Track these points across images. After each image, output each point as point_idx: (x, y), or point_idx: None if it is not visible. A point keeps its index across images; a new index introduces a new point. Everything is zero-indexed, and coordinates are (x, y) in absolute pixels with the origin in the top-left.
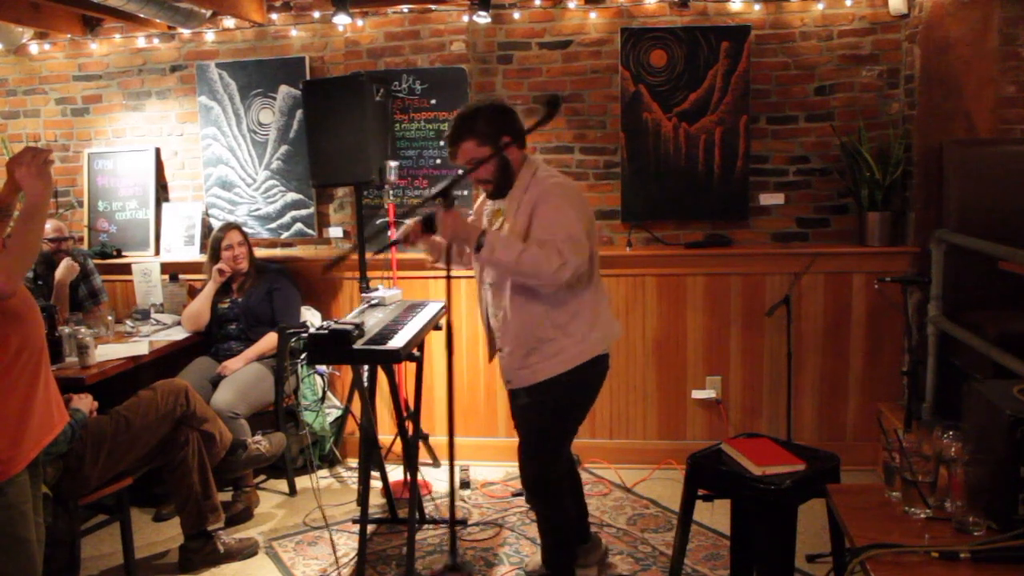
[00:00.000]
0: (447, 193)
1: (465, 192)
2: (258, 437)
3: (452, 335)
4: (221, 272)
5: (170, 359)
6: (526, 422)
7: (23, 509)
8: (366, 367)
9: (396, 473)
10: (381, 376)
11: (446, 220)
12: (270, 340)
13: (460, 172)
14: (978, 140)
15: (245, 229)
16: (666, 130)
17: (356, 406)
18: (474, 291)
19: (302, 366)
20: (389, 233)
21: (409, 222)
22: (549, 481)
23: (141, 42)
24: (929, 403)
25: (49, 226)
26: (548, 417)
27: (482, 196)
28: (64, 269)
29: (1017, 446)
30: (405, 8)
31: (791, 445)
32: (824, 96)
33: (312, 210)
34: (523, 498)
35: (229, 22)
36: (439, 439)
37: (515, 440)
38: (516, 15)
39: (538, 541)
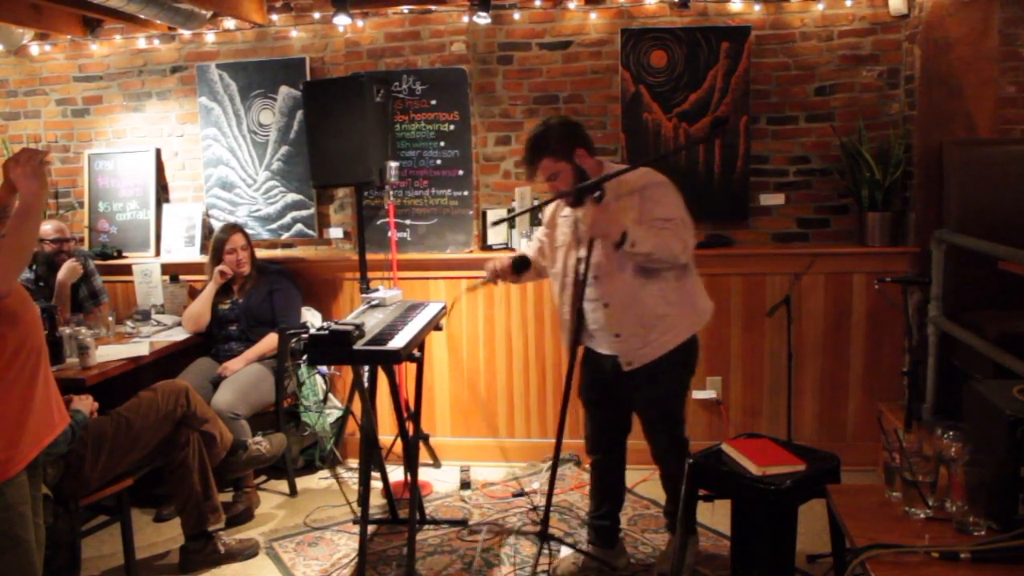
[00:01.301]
0: (598, 187)
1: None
2: (258, 438)
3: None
4: (222, 274)
5: (170, 360)
6: (649, 401)
7: (21, 510)
8: (366, 368)
9: (396, 473)
10: (381, 377)
11: (598, 214)
12: (270, 341)
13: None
14: (978, 140)
15: (246, 230)
16: (666, 131)
17: (356, 407)
18: (473, 292)
19: (304, 367)
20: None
21: (497, 264)
22: (682, 444)
23: (141, 43)
24: (929, 403)
25: (51, 227)
26: (671, 386)
27: (550, 207)
28: (67, 271)
29: (1017, 446)
30: (405, 9)
31: (791, 445)
32: (824, 96)
33: (312, 211)
34: (522, 499)
35: (229, 23)
36: (439, 440)
37: (514, 441)
38: (516, 16)
39: (538, 542)
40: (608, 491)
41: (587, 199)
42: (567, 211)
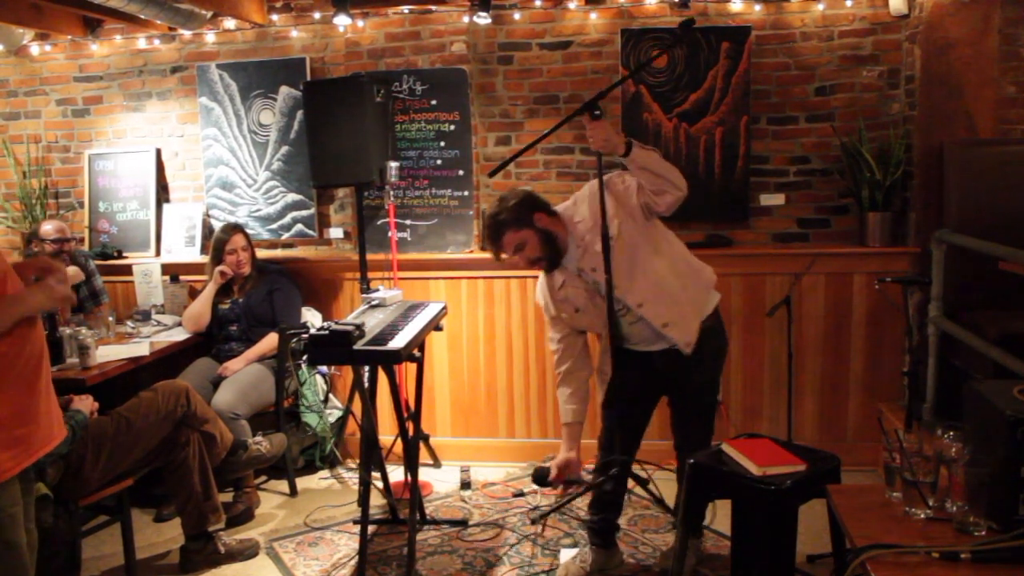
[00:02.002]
0: (593, 107)
1: None
2: (259, 438)
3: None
4: (223, 275)
5: (171, 360)
6: (702, 384)
7: (12, 512)
8: (367, 368)
9: (397, 474)
10: (382, 377)
11: (597, 127)
12: (271, 341)
13: (599, 94)
14: (978, 140)
15: (246, 230)
16: (666, 131)
17: (357, 407)
18: (474, 290)
19: (304, 367)
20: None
21: (554, 467)
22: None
23: (142, 43)
24: (930, 403)
25: (51, 227)
26: (719, 368)
27: (542, 296)
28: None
29: (1017, 446)
30: (406, 9)
31: (792, 445)
32: (824, 96)
33: (313, 211)
34: (522, 499)
35: (230, 23)
36: (440, 440)
37: (514, 441)
38: (516, 16)
39: (539, 542)
40: (610, 499)
41: (585, 116)
42: (559, 280)
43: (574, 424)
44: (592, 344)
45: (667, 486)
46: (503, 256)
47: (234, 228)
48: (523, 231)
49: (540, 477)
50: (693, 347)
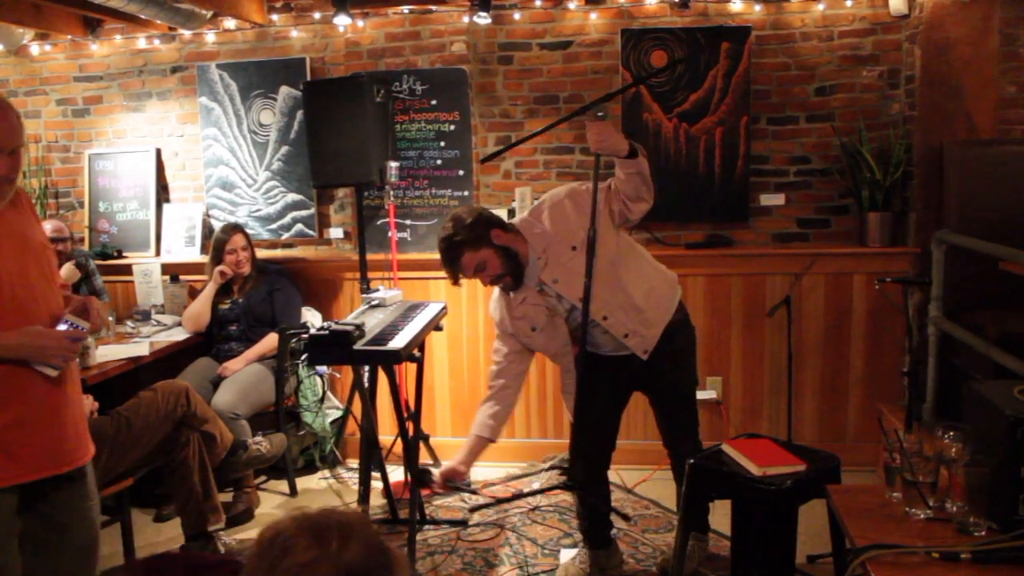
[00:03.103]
0: (599, 106)
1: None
2: (259, 438)
3: None
4: (222, 274)
5: (171, 360)
6: (676, 385)
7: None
8: (367, 368)
9: (396, 474)
10: (382, 377)
11: (601, 129)
12: (271, 341)
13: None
14: (979, 140)
15: (246, 230)
16: (666, 131)
17: (357, 407)
18: (474, 289)
19: (303, 367)
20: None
21: (439, 475)
22: (698, 431)
23: (142, 43)
24: (930, 403)
25: (50, 227)
26: (691, 368)
27: (497, 314)
28: (66, 272)
29: (1017, 447)
30: (406, 9)
31: (792, 446)
32: (825, 97)
33: (313, 211)
34: (521, 498)
35: (230, 23)
36: (440, 440)
37: (514, 441)
38: (517, 16)
39: (539, 542)
40: (593, 512)
41: (587, 116)
42: (520, 296)
43: (485, 439)
44: (549, 366)
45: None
46: (461, 278)
47: (234, 228)
48: (481, 250)
49: (421, 477)
50: (651, 352)
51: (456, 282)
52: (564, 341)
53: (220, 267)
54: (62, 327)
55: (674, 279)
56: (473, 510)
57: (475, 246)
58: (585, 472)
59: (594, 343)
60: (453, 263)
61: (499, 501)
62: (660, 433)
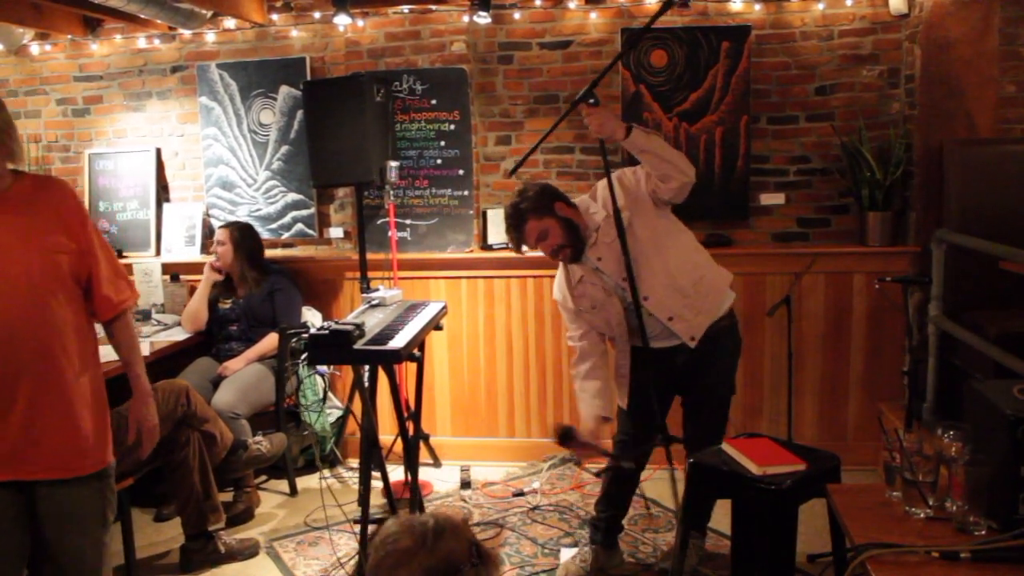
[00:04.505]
0: (591, 95)
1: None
2: (259, 437)
3: None
4: (211, 267)
5: (171, 360)
6: (718, 380)
7: None
8: (367, 367)
9: (397, 473)
10: (382, 376)
11: (596, 114)
12: (271, 341)
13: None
14: (979, 140)
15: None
16: (667, 130)
17: (357, 406)
18: (474, 290)
19: (303, 367)
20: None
21: (585, 431)
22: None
23: (142, 43)
24: (930, 403)
25: None
26: (733, 366)
27: (561, 292)
28: None
29: (1017, 446)
30: (406, 8)
31: (792, 445)
32: (825, 96)
33: (313, 210)
34: (522, 498)
35: (230, 23)
36: (440, 439)
37: (514, 441)
38: (516, 15)
39: (539, 542)
40: (621, 497)
41: (582, 106)
42: (577, 275)
43: (603, 418)
44: (550, 366)
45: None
46: (524, 248)
47: (224, 224)
48: (545, 219)
49: (565, 433)
50: (699, 342)
51: (519, 249)
52: (620, 320)
53: (209, 259)
54: None
55: (728, 278)
56: (598, 474)
57: (539, 215)
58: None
59: (646, 330)
60: (518, 229)
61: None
62: (684, 431)
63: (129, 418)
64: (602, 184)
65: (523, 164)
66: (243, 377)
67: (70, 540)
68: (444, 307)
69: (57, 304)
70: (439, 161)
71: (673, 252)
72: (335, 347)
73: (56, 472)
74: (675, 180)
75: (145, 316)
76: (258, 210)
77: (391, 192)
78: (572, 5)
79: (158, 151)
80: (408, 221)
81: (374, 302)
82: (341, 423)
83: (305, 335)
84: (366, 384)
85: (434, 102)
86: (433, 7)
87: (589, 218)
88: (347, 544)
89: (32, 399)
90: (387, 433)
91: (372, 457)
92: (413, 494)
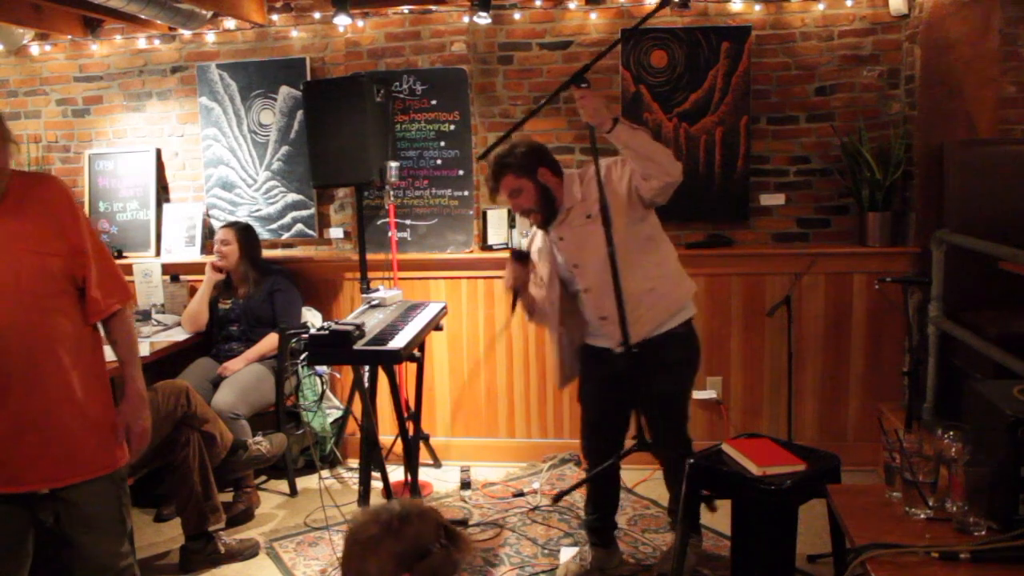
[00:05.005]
0: (582, 76)
1: None
2: (259, 438)
3: None
4: (213, 266)
5: (171, 360)
6: (660, 395)
7: None
8: (367, 368)
9: (397, 474)
10: (382, 377)
11: (587, 97)
12: (271, 341)
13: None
14: (979, 140)
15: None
16: (667, 131)
17: (357, 407)
18: (474, 290)
19: (303, 367)
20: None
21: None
22: (688, 442)
23: (142, 43)
24: (930, 403)
25: None
26: (680, 380)
27: (536, 237)
28: None
29: (1018, 446)
30: (406, 9)
31: (792, 445)
32: (825, 96)
33: (313, 211)
34: (522, 499)
35: (230, 23)
36: (440, 440)
37: (514, 441)
38: (517, 16)
39: (539, 542)
40: (604, 497)
41: (574, 88)
42: (539, 242)
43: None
44: (550, 367)
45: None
46: (498, 197)
47: (226, 224)
48: (523, 179)
49: (520, 255)
50: (638, 349)
51: (493, 198)
52: (553, 306)
53: (211, 259)
54: None
55: (688, 292)
56: (557, 499)
57: (519, 173)
58: (596, 462)
59: (582, 314)
60: (495, 179)
61: (576, 486)
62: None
63: (117, 419)
64: (591, 171)
65: (495, 148)
66: (243, 377)
67: (90, 546)
68: (444, 307)
69: (50, 308)
70: (439, 161)
71: (629, 262)
72: (335, 347)
73: (56, 481)
74: (656, 180)
75: (145, 316)
76: (258, 210)
77: (391, 192)
78: (572, 5)
79: (158, 151)
80: (408, 221)
81: (374, 302)
82: (341, 423)
83: (305, 335)
84: (366, 384)
85: (434, 102)
86: (433, 7)
87: (568, 195)
88: None
89: (20, 410)
90: (387, 433)
91: (372, 457)
92: (413, 494)
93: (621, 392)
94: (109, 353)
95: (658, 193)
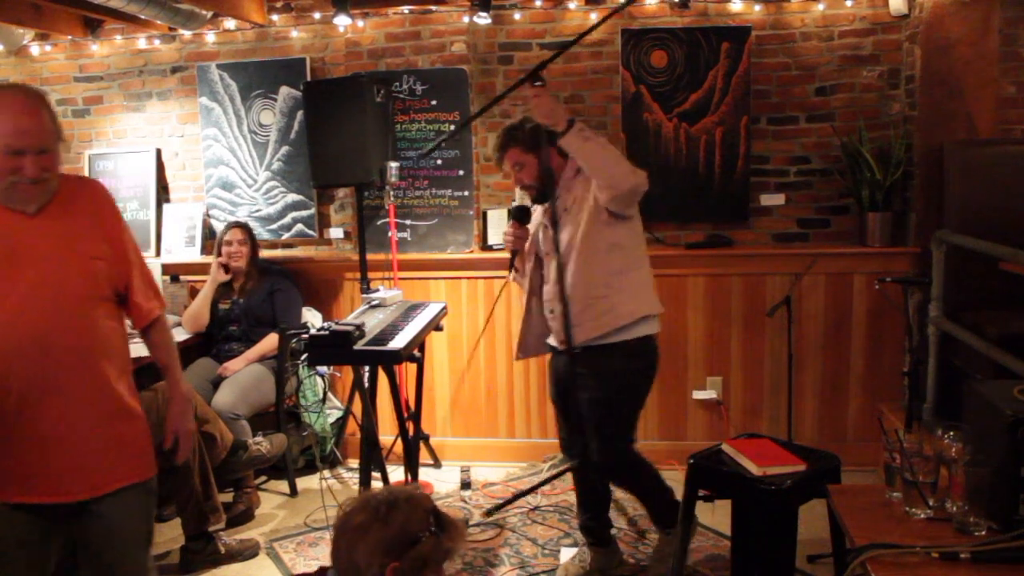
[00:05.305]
0: (537, 75)
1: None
2: (259, 438)
3: None
4: (224, 268)
5: None
6: (590, 402)
7: None
8: (367, 368)
9: (397, 474)
10: (382, 377)
11: (543, 96)
12: (271, 341)
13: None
14: (979, 140)
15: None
16: (667, 131)
17: (357, 407)
18: (474, 290)
19: (303, 367)
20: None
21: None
22: (619, 461)
23: (142, 43)
24: (930, 403)
25: None
26: (617, 391)
27: (535, 221)
28: None
29: (1018, 446)
30: (406, 9)
31: (792, 445)
32: (825, 96)
33: (313, 211)
34: (522, 499)
35: (230, 23)
36: (440, 440)
37: (514, 441)
38: (517, 16)
39: (540, 542)
40: (589, 494)
41: (528, 85)
42: (535, 216)
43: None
44: None
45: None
46: (502, 167)
47: (234, 224)
48: (528, 155)
49: (522, 211)
50: (577, 352)
51: (499, 165)
52: (526, 271)
53: (219, 259)
54: None
55: (646, 310)
56: (489, 513)
57: (525, 148)
58: (567, 456)
59: (541, 305)
60: (501, 150)
61: (510, 500)
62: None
63: (167, 425)
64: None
65: (437, 148)
66: (243, 378)
67: (119, 558)
68: (444, 307)
69: (98, 313)
70: (439, 162)
71: (585, 264)
72: (335, 347)
73: (97, 490)
74: (605, 192)
75: None
76: (258, 211)
77: (391, 193)
78: (572, 5)
79: (158, 152)
80: (408, 221)
81: (374, 302)
82: (341, 424)
83: (305, 335)
84: (366, 385)
85: (434, 103)
86: (433, 7)
87: (566, 179)
88: None
89: (65, 415)
90: (387, 433)
91: (372, 458)
92: None
93: (564, 391)
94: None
95: (611, 202)
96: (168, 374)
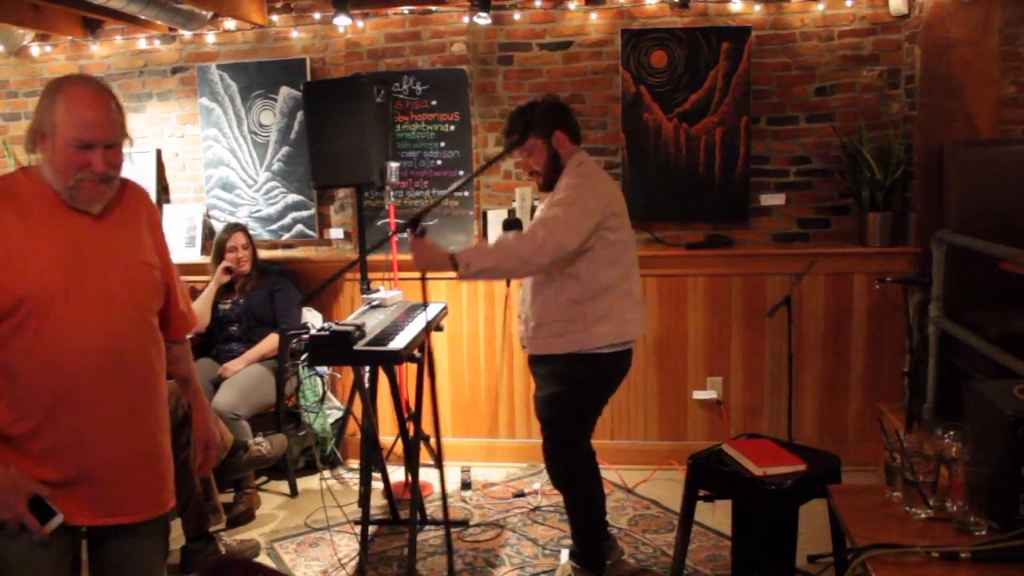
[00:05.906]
0: (417, 223)
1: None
2: (259, 438)
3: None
4: (227, 271)
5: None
6: (536, 400)
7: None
8: (367, 368)
9: (397, 474)
10: (382, 377)
11: (419, 247)
12: (271, 341)
13: (429, 205)
14: (979, 140)
15: (248, 230)
16: (667, 131)
17: (357, 407)
18: (474, 293)
19: (303, 368)
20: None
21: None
22: (564, 466)
23: (142, 44)
24: (930, 403)
25: None
26: (555, 396)
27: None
28: None
29: (1018, 446)
30: (406, 9)
31: (792, 445)
32: (825, 96)
33: (313, 211)
34: (522, 499)
35: (230, 24)
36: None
37: (515, 442)
38: (517, 16)
39: (540, 542)
40: (589, 525)
41: (408, 233)
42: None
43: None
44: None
45: (668, 486)
46: (511, 152)
47: (235, 226)
48: (537, 139)
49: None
50: (527, 343)
51: (508, 151)
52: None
53: (224, 263)
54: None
55: (596, 336)
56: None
57: (535, 133)
58: None
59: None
60: (509, 133)
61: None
62: None
63: (195, 437)
64: (589, 165)
65: (428, 212)
66: (243, 378)
67: None
68: (444, 308)
69: (153, 324)
70: (439, 162)
71: (538, 286)
72: (335, 348)
73: (141, 514)
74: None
75: None
76: (258, 211)
77: (391, 193)
78: (572, 6)
79: (158, 152)
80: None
81: (374, 303)
82: (341, 424)
83: (305, 336)
84: (366, 385)
85: (434, 103)
86: (433, 8)
87: (568, 167)
88: (348, 545)
89: (133, 433)
90: (387, 434)
91: (373, 458)
92: (414, 495)
93: None
94: None
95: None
96: (191, 384)
